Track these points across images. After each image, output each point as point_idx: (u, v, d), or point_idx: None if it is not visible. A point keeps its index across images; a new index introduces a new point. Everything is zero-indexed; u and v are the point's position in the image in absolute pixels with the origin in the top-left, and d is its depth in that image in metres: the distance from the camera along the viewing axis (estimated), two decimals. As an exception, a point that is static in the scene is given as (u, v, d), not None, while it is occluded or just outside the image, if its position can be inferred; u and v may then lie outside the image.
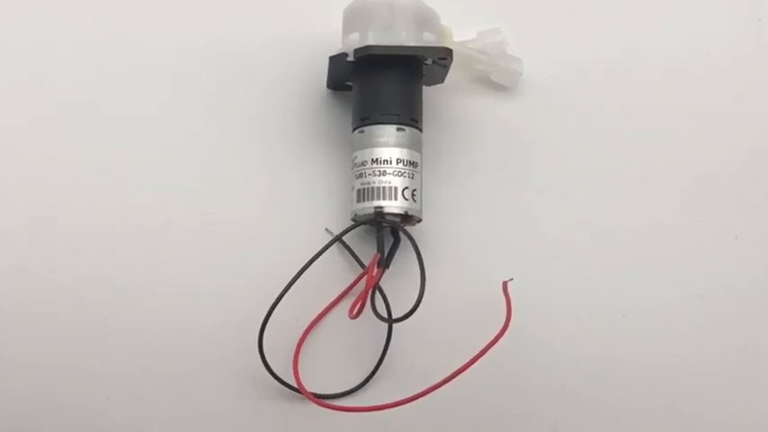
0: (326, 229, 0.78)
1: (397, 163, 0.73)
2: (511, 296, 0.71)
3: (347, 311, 0.73)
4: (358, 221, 0.73)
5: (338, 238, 0.75)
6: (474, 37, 0.78)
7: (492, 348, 0.70)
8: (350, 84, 0.76)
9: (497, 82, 0.78)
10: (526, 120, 0.79)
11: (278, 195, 0.77)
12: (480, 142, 0.78)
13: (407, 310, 0.68)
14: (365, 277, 0.73)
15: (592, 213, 0.78)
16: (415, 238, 0.71)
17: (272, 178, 0.77)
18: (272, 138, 0.77)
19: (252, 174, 0.77)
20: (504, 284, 0.73)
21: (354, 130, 0.75)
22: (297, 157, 0.77)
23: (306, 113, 0.78)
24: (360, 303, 0.72)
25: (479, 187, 0.78)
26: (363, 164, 0.74)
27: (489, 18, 0.79)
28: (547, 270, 0.77)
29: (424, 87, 0.75)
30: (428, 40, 0.73)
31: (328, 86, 0.78)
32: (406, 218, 0.73)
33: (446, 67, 0.77)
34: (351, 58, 0.73)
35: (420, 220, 0.74)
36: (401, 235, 0.72)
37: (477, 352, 0.69)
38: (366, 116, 0.74)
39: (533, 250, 0.77)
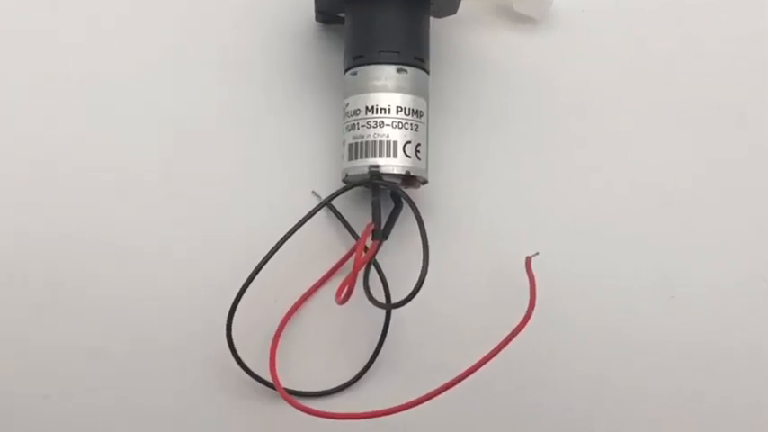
0: (313, 192, 0.67)
1: (398, 112, 0.62)
2: (536, 275, 0.62)
3: (335, 294, 0.60)
4: (350, 183, 0.63)
5: (326, 203, 0.64)
6: None
7: (513, 340, 0.58)
8: (342, 15, 0.66)
9: (522, 13, 0.69)
10: (556, 60, 0.69)
11: (254, 149, 0.67)
12: (501, 87, 0.68)
13: (409, 293, 0.58)
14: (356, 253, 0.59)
15: (635, 173, 0.68)
16: (418, 203, 0.62)
17: (248, 128, 0.67)
18: (249, 80, 0.68)
19: (224, 123, 0.67)
20: (528, 261, 0.63)
21: (346, 71, 0.64)
22: (278, 104, 0.67)
23: (290, 51, 0.68)
24: (348, 286, 0.58)
25: (498, 142, 0.68)
26: (356, 113, 0.63)
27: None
28: (579, 242, 0.67)
29: (432, 19, 0.65)
30: None
31: (317, 19, 0.68)
32: (408, 179, 0.63)
33: (459, -7, 0.65)
34: None
35: (425, 182, 0.64)
36: (402, 200, 0.62)
37: (495, 345, 0.58)
38: (359, 54, 0.63)
39: (563, 218, 0.67)
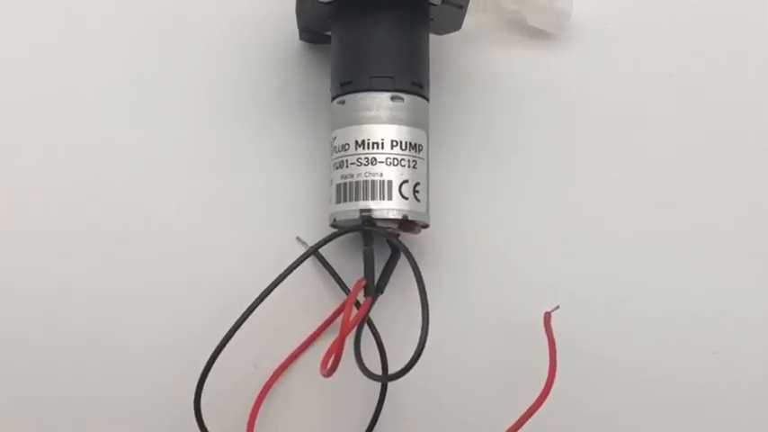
0: (298, 238, 0.59)
1: (393, 147, 0.55)
2: (556, 333, 0.54)
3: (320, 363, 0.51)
4: (339, 228, 0.56)
5: (312, 252, 0.56)
6: None
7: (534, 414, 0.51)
8: (328, 33, 0.58)
9: (537, 27, 0.62)
10: (576, 81, 0.62)
11: (230, 187, 0.60)
12: (512, 113, 0.61)
13: (408, 361, 0.51)
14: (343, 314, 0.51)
15: (674, 207, 0.61)
16: (418, 249, 0.57)
17: (224, 163, 0.60)
18: (225, 108, 0.60)
19: (196, 157, 0.60)
20: (547, 317, 0.56)
21: (333, 99, 0.57)
22: (257, 136, 0.60)
23: (271, 75, 0.61)
24: (335, 354, 0.50)
25: (510, 176, 0.61)
26: (345, 148, 0.55)
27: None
28: (606, 291, 0.60)
29: (432, 37, 0.58)
30: None
31: (302, 38, 0.61)
32: (406, 224, 0.55)
33: (462, 8, 0.57)
34: None
35: (426, 226, 0.57)
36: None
37: (510, 426, 0.51)
38: (347, 80, 0.56)
39: (587, 263, 0.60)
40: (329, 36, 0.58)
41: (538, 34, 0.62)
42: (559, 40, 0.62)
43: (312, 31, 0.59)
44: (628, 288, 0.60)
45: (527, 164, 0.60)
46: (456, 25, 0.59)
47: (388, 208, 0.54)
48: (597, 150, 0.61)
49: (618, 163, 0.61)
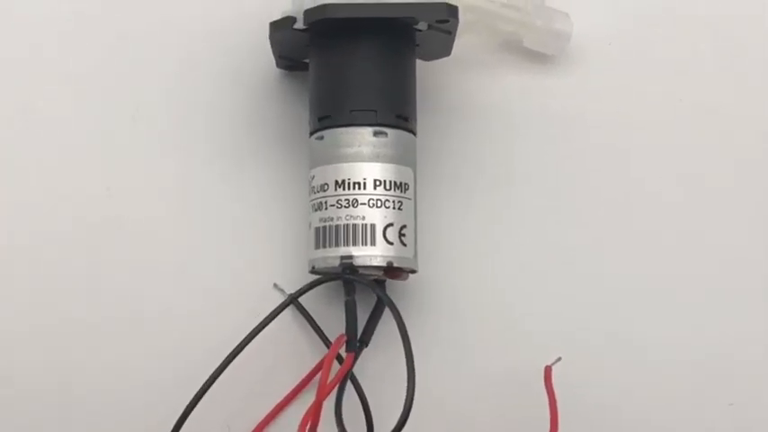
0: (275, 285, 0.54)
1: (376, 187, 0.50)
2: (557, 382, 0.50)
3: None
4: (318, 273, 0.51)
5: (291, 302, 0.52)
6: None
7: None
8: (308, 61, 0.54)
9: (533, 49, 0.57)
10: (577, 108, 0.57)
11: (201, 229, 0.55)
12: (509, 144, 0.57)
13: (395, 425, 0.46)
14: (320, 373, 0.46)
15: (686, 245, 0.56)
16: (406, 297, 0.53)
17: (193, 202, 0.55)
18: (195, 143, 0.56)
19: (161, 196, 0.55)
20: (548, 372, 0.51)
21: (312, 134, 0.52)
22: (231, 173, 0.56)
23: (246, 106, 0.56)
24: (311, 421, 0.45)
25: (508, 214, 0.56)
26: (323, 188, 0.51)
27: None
28: (614, 337, 0.55)
29: (419, 64, 0.53)
30: None
31: (279, 66, 0.56)
32: (392, 270, 0.50)
33: (451, 34, 0.52)
34: (300, 26, 0.51)
35: (414, 272, 0.51)
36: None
37: None
38: (326, 113, 0.51)
39: (592, 309, 0.55)
40: (307, 64, 0.53)
41: (535, 57, 0.57)
42: (559, 64, 0.57)
43: (289, 58, 0.55)
44: (635, 334, 0.55)
45: (524, 201, 0.56)
46: (445, 51, 0.54)
47: (371, 254, 0.49)
48: (601, 185, 0.56)
49: (624, 199, 0.56)
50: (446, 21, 0.50)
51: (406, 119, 0.51)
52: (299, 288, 0.51)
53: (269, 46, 0.53)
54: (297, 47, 0.53)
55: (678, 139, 0.57)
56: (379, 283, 0.51)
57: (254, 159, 0.55)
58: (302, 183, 0.54)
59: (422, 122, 0.53)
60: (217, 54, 0.56)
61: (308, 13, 0.50)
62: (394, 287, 0.52)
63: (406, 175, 0.51)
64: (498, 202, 0.56)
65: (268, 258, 0.54)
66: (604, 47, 0.58)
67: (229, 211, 0.55)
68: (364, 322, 0.51)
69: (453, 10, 0.50)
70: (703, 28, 0.58)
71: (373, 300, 0.52)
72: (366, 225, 0.49)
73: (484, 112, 0.57)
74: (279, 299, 0.53)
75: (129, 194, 0.55)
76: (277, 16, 0.52)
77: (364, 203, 0.50)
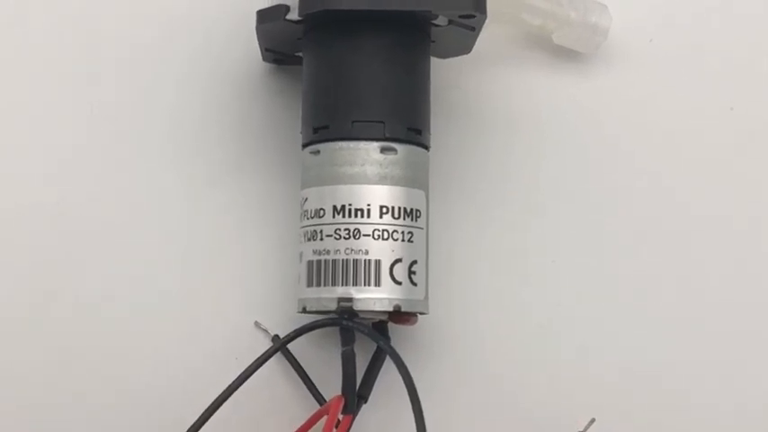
0: (256, 324, 0.47)
1: (383, 214, 0.42)
2: None
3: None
4: (311, 321, 0.43)
5: (279, 348, 0.44)
6: None
7: None
8: (300, 55, 0.45)
9: (565, 46, 0.50)
10: (613, 112, 0.50)
11: (171, 257, 0.47)
12: (535, 156, 0.49)
13: None
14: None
15: (741, 278, 0.49)
16: (414, 340, 0.46)
17: (158, 222, 0.48)
18: (156, 150, 0.48)
19: (121, 214, 0.48)
20: None
21: (305, 147, 0.44)
22: (202, 186, 0.48)
23: (225, 105, 0.48)
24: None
25: (532, 241, 0.49)
26: (319, 213, 0.43)
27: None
28: (655, 385, 0.48)
29: (434, 62, 0.45)
30: None
31: (265, 59, 0.48)
32: (398, 314, 0.43)
33: (474, 30, 0.44)
34: (294, 16, 0.42)
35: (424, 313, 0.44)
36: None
37: None
38: (323, 123, 0.43)
39: (631, 351, 0.48)
40: (300, 57, 0.45)
41: (566, 55, 0.50)
42: (593, 63, 0.50)
43: (278, 52, 0.46)
44: (679, 381, 0.48)
45: (554, 228, 0.49)
46: (464, 48, 0.46)
47: (374, 297, 0.42)
48: (643, 207, 0.49)
49: (669, 224, 0.49)
50: (471, 16, 0.42)
51: (418, 131, 0.43)
52: (283, 329, 0.45)
53: (254, 36, 0.45)
54: (288, 40, 0.45)
55: (728, 153, 0.50)
56: (381, 326, 0.44)
57: (234, 171, 0.48)
58: (292, 200, 0.46)
59: (433, 130, 0.45)
60: (190, 43, 0.49)
61: (304, 2, 0.41)
62: (398, 329, 0.44)
63: (417, 200, 0.43)
64: (523, 227, 0.49)
65: (248, 290, 0.47)
66: (645, 44, 0.51)
67: (204, 233, 0.48)
68: (362, 371, 0.44)
69: (481, 3, 0.42)
70: (764, 27, 0.51)
71: (372, 344, 0.44)
72: (370, 261, 0.42)
73: (505, 119, 0.49)
74: (261, 339, 0.45)
75: (84, 210, 0.47)
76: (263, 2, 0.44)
77: (368, 235, 0.42)
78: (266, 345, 0.46)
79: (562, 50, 0.49)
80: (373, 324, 0.44)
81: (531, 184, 0.49)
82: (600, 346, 0.47)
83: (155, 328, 0.46)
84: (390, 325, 0.43)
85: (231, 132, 0.48)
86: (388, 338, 0.43)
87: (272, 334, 0.46)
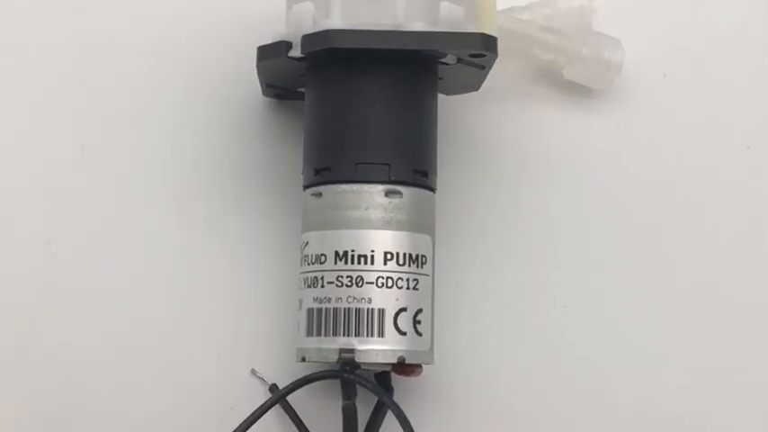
0: (253, 371, 0.45)
1: (387, 261, 0.40)
2: None
3: None
4: (311, 372, 0.41)
5: (278, 400, 0.42)
6: (534, 0, 0.48)
7: None
8: (303, 90, 0.44)
9: (576, 82, 0.48)
10: (629, 153, 0.48)
11: (165, 300, 0.45)
12: (545, 197, 0.47)
13: None
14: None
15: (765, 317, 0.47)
16: (417, 392, 0.44)
17: (150, 263, 0.46)
18: (152, 189, 0.46)
19: (114, 257, 0.46)
20: None
21: (306, 188, 0.42)
22: (196, 225, 0.46)
23: (223, 141, 0.47)
24: None
25: (542, 285, 0.46)
26: (320, 260, 0.41)
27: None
28: None
29: (440, 97, 0.44)
30: (450, 16, 0.41)
31: (265, 94, 0.46)
32: (402, 366, 0.41)
33: (484, 68, 0.42)
34: (297, 54, 0.41)
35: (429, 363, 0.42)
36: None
37: None
38: (325, 165, 0.41)
39: (656, 401, 0.46)
40: (302, 93, 0.43)
41: (578, 91, 0.48)
42: (605, 100, 0.48)
43: (279, 87, 0.44)
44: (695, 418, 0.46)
45: (565, 272, 0.47)
46: (473, 86, 0.44)
47: (378, 349, 0.40)
48: (659, 250, 0.47)
49: (682, 263, 0.47)
50: (482, 55, 0.40)
51: (425, 174, 0.41)
52: (281, 378, 0.44)
53: (253, 71, 0.43)
54: (290, 76, 0.43)
55: (746, 193, 0.48)
56: (384, 377, 0.42)
57: (230, 210, 0.46)
58: (292, 242, 0.44)
59: (438, 168, 0.43)
60: (185, 78, 0.47)
61: (307, 39, 0.40)
62: (400, 379, 0.42)
63: (423, 246, 0.41)
64: (530, 269, 0.47)
65: (245, 336, 0.45)
66: (659, 79, 0.49)
67: (199, 276, 0.46)
68: (364, 423, 0.42)
69: (491, 42, 0.40)
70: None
71: (373, 396, 0.41)
72: (373, 311, 0.40)
73: (513, 157, 0.48)
74: (257, 387, 0.43)
75: (75, 253, 0.45)
76: (259, 34, 0.42)
77: (371, 282, 0.40)
78: (263, 394, 0.44)
79: (573, 86, 0.48)
80: (375, 374, 0.42)
81: (540, 224, 0.47)
82: (612, 390, 0.45)
83: (146, 374, 0.44)
84: (394, 375, 0.42)
85: (228, 171, 0.46)
86: (390, 390, 0.41)
87: (270, 383, 0.44)
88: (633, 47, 0.47)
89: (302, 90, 0.44)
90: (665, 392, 0.45)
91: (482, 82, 0.43)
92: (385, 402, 0.40)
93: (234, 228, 0.46)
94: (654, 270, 0.47)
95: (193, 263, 0.45)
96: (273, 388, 0.44)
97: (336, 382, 0.41)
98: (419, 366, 0.41)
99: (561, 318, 0.46)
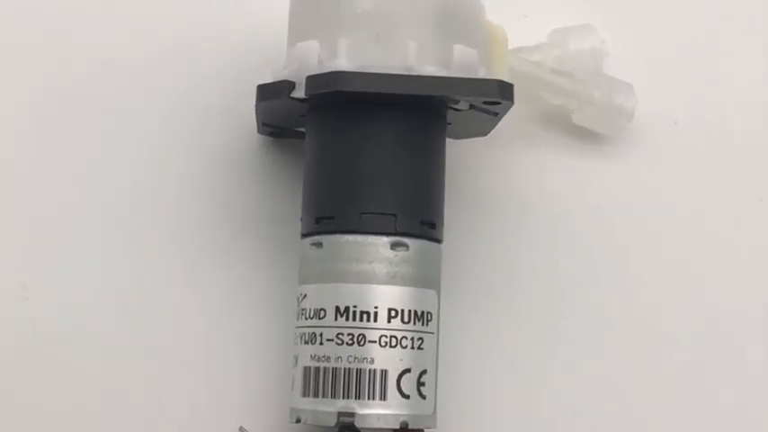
0: (242, 430, 0.42)
1: (391, 318, 0.38)
2: None
3: None
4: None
5: None
6: (543, 41, 0.46)
7: None
8: (302, 130, 0.41)
9: (587, 128, 0.46)
10: (640, 202, 0.46)
11: (150, 351, 0.43)
12: (551, 250, 0.45)
13: None
14: None
15: None
16: None
17: (140, 317, 0.43)
18: (148, 237, 0.44)
19: (94, 301, 0.43)
20: None
21: (305, 236, 0.39)
22: (181, 271, 0.44)
23: (213, 181, 0.44)
24: None
25: (548, 346, 0.44)
26: (319, 314, 0.38)
27: (573, 7, 0.47)
28: None
29: (449, 143, 0.41)
30: (463, 59, 0.38)
31: (261, 132, 0.44)
32: (404, 431, 0.38)
33: (497, 115, 0.40)
34: (300, 95, 0.38)
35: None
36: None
37: None
38: (327, 214, 0.39)
39: None
40: (300, 132, 0.41)
41: (588, 137, 0.46)
42: (616, 146, 0.46)
43: (277, 126, 0.42)
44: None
45: (572, 327, 0.44)
46: (482, 131, 0.42)
47: (379, 413, 0.37)
48: (665, 297, 0.45)
49: (695, 317, 0.45)
50: (497, 102, 0.38)
51: (432, 225, 0.39)
52: None
53: (249, 107, 0.41)
54: (289, 115, 0.40)
55: (757, 246, 0.46)
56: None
57: (220, 258, 0.44)
58: (287, 291, 0.41)
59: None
60: (178, 115, 0.45)
61: (312, 80, 0.37)
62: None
63: (429, 302, 0.38)
64: (538, 325, 0.44)
65: (235, 392, 0.42)
66: (670, 126, 0.47)
67: (185, 326, 0.43)
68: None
69: (507, 90, 0.38)
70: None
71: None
72: (375, 372, 0.37)
73: (519, 204, 0.46)
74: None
75: (51, 296, 0.42)
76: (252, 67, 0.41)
77: (374, 341, 0.37)
78: (252, 454, 0.41)
79: (582, 131, 0.46)
80: (375, 437, 0.40)
81: (546, 275, 0.45)
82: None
83: (129, 429, 0.42)
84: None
85: (219, 214, 0.44)
86: (390, 454, 0.39)
87: (259, 442, 0.42)
88: (644, 92, 0.45)
89: (301, 129, 0.41)
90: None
91: (493, 128, 0.41)
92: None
93: (224, 275, 0.43)
94: (664, 324, 0.44)
95: (179, 313, 0.43)
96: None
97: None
98: (422, 431, 0.39)
99: (569, 376, 0.43)
